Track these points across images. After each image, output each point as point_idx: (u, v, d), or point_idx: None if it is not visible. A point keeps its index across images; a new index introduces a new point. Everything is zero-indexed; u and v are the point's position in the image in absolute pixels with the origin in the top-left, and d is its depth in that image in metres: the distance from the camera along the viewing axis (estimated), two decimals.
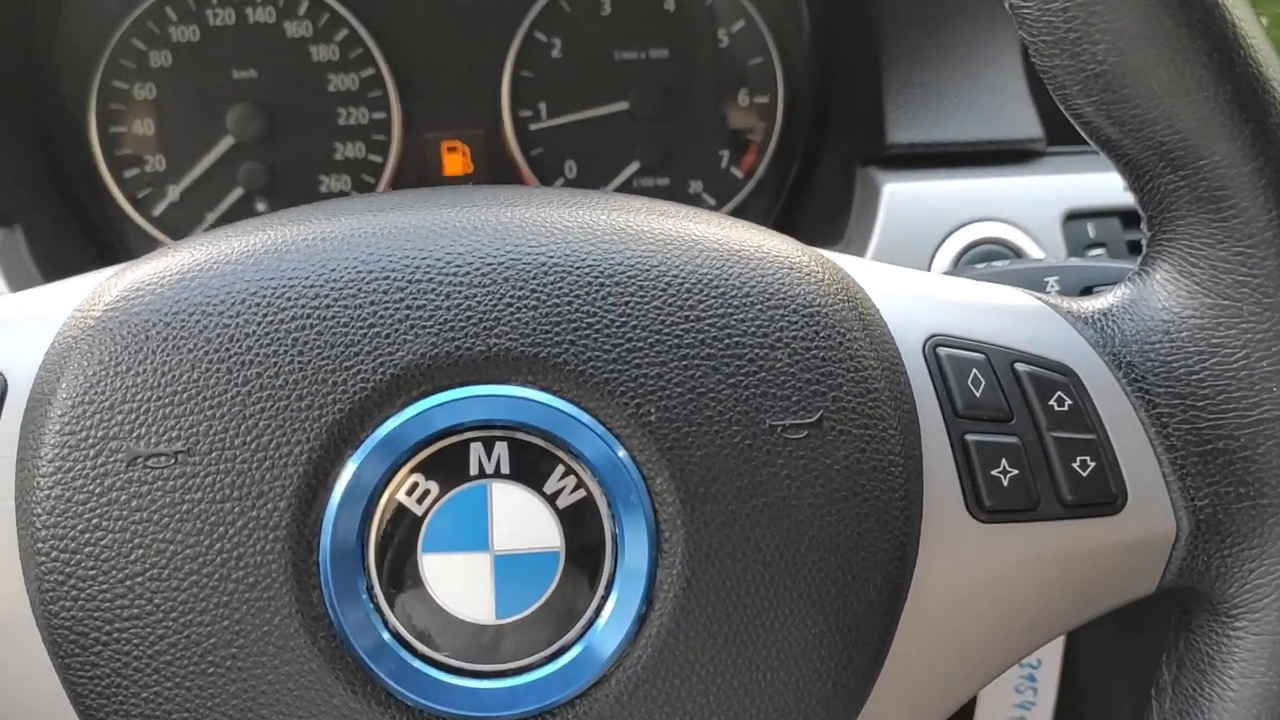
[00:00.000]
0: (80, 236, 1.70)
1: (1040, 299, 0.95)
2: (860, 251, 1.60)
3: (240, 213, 1.81)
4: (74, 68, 1.73)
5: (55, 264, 1.57)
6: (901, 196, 1.60)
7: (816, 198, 1.81)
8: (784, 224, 1.89)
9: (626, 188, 1.88)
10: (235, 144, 1.77)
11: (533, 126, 1.86)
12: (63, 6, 1.67)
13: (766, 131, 1.88)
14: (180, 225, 1.80)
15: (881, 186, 1.60)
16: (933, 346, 0.90)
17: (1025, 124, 1.63)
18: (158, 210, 1.79)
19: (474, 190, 0.92)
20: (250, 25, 1.77)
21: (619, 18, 1.84)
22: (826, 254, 0.95)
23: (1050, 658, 1.68)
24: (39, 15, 1.65)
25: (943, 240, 1.58)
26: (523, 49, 1.82)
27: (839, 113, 1.77)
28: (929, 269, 1.57)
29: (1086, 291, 1.25)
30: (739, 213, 1.90)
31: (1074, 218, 1.56)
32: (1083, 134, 0.90)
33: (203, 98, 1.77)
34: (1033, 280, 1.28)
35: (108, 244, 1.76)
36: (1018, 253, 1.56)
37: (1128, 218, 1.56)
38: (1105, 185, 1.58)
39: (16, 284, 1.48)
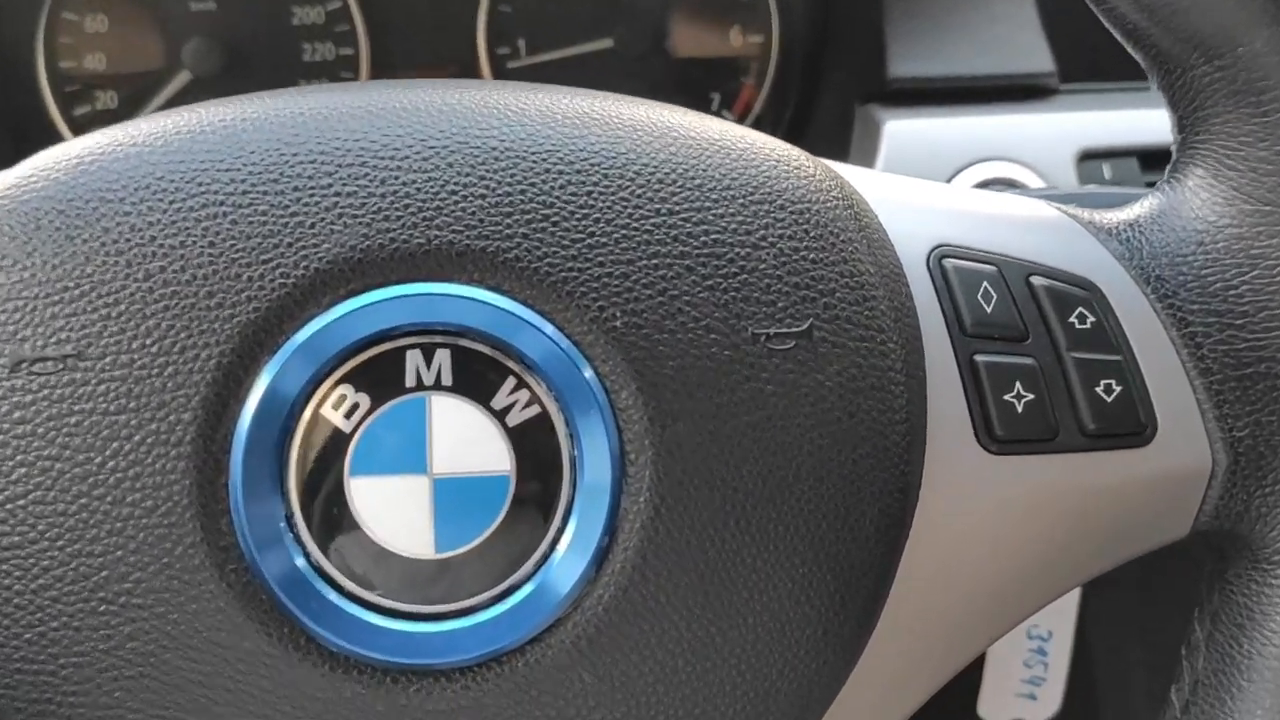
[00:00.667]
0: None
1: (1059, 208, 0.85)
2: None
3: None
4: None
5: None
6: (903, 135, 1.50)
7: (813, 139, 1.71)
8: None
9: None
10: (192, 79, 1.66)
11: (511, 64, 1.75)
12: None
13: (760, 72, 1.78)
14: None
15: (882, 124, 1.50)
16: (938, 258, 0.80)
17: (1036, 57, 1.53)
18: None
19: (419, 80, 0.81)
20: None
21: None
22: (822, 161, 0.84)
23: (1061, 629, 1.57)
24: None
25: (949, 180, 1.48)
26: None
27: (837, 47, 1.66)
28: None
29: None
30: None
31: (1089, 158, 1.46)
32: (1105, 23, 0.80)
33: (158, 30, 1.67)
34: None
35: None
36: None
37: (1146, 158, 1.46)
38: (1122, 123, 1.48)
39: None
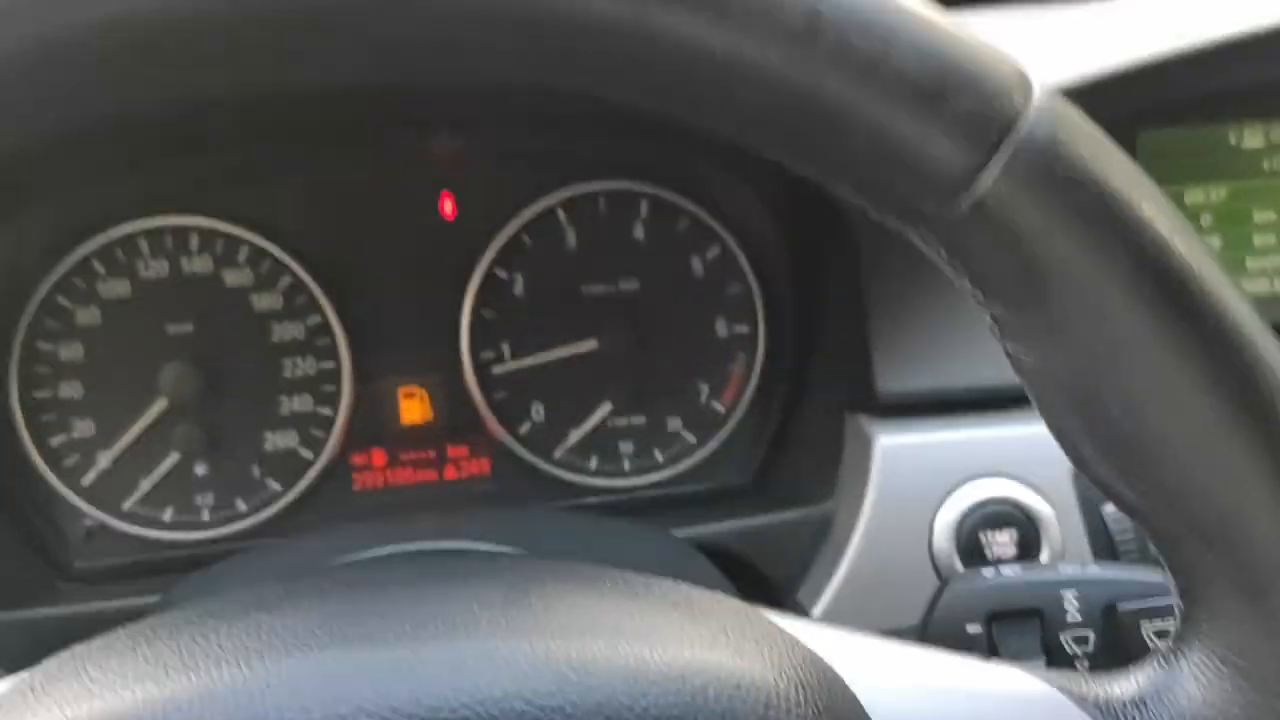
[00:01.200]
0: None
1: (1053, 683, 0.79)
2: (854, 510, 1.44)
3: (177, 479, 1.66)
4: None
5: None
6: (895, 451, 1.45)
7: (803, 442, 1.66)
8: (770, 466, 1.73)
9: (600, 430, 1.73)
10: (169, 406, 1.62)
11: (495, 369, 1.71)
12: None
13: (748, 363, 1.74)
14: (111, 496, 1.65)
15: (874, 439, 1.45)
16: None
17: None
18: (87, 479, 1.64)
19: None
20: (186, 276, 1.64)
21: (585, 251, 1.71)
22: (805, 632, 0.79)
23: None
24: None
25: (944, 499, 1.42)
26: (483, 288, 1.69)
27: (825, 355, 1.63)
28: (930, 533, 1.41)
29: (1110, 612, 1.09)
30: (723, 451, 1.74)
31: None
32: (1104, 495, 0.75)
33: (135, 357, 1.63)
34: (1048, 594, 1.13)
35: (27, 519, 1.60)
36: (1026, 513, 1.41)
37: None
38: None
39: None
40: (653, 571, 0.87)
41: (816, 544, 1.50)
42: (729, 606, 0.83)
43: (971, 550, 1.41)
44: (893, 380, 1.47)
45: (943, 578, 1.41)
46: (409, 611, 0.75)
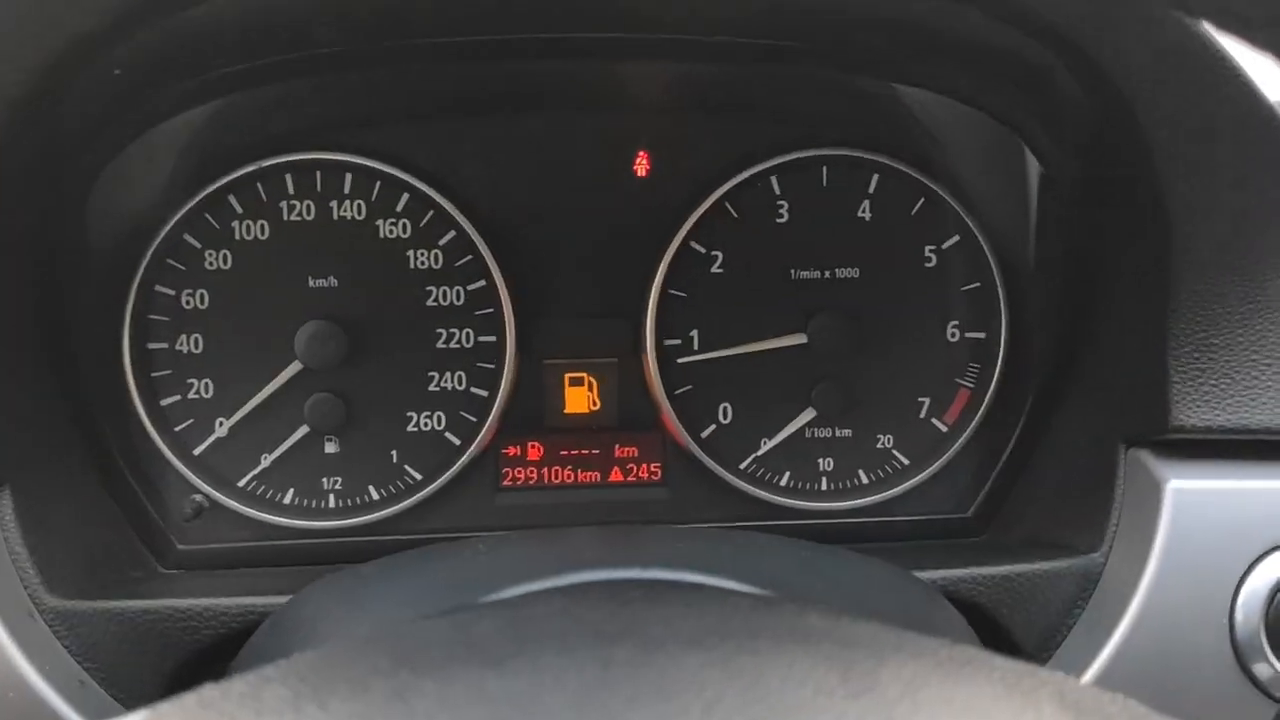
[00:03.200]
0: (92, 494, 1.30)
1: None
2: (1133, 567, 1.17)
3: (303, 457, 1.41)
4: (107, 265, 1.36)
5: (51, 534, 1.17)
6: (1191, 499, 1.18)
7: (1050, 477, 1.38)
8: (997, 500, 1.45)
9: (797, 440, 1.46)
10: (303, 370, 1.38)
11: (680, 359, 1.45)
12: (96, 185, 1.31)
13: (983, 377, 1.46)
14: (227, 470, 1.41)
15: (1164, 482, 1.17)
16: None
17: None
18: (200, 448, 1.40)
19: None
20: (334, 222, 1.40)
21: (799, 227, 1.45)
22: None
23: None
24: (64, 197, 1.27)
25: (1253, 564, 1.14)
26: (675, 262, 1.43)
27: (1090, 368, 1.34)
28: (1232, 607, 1.14)
29: None
30: (940, 479, 1.47)
31: None
32: None
33: (269, 311, 1.40)
34: None
35: (128, 491, 1.37)
36: None
37: None
38: None
39: None
40: (911, 625, 0.67)
41: (1075, 602, 1.22)
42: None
43: None
44: (1193, 411, 1.19)
45: (1247, 667, 1.13)
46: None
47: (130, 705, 1.13)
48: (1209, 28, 1.03)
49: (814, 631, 0.63)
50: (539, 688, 0.53)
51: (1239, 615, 1.14)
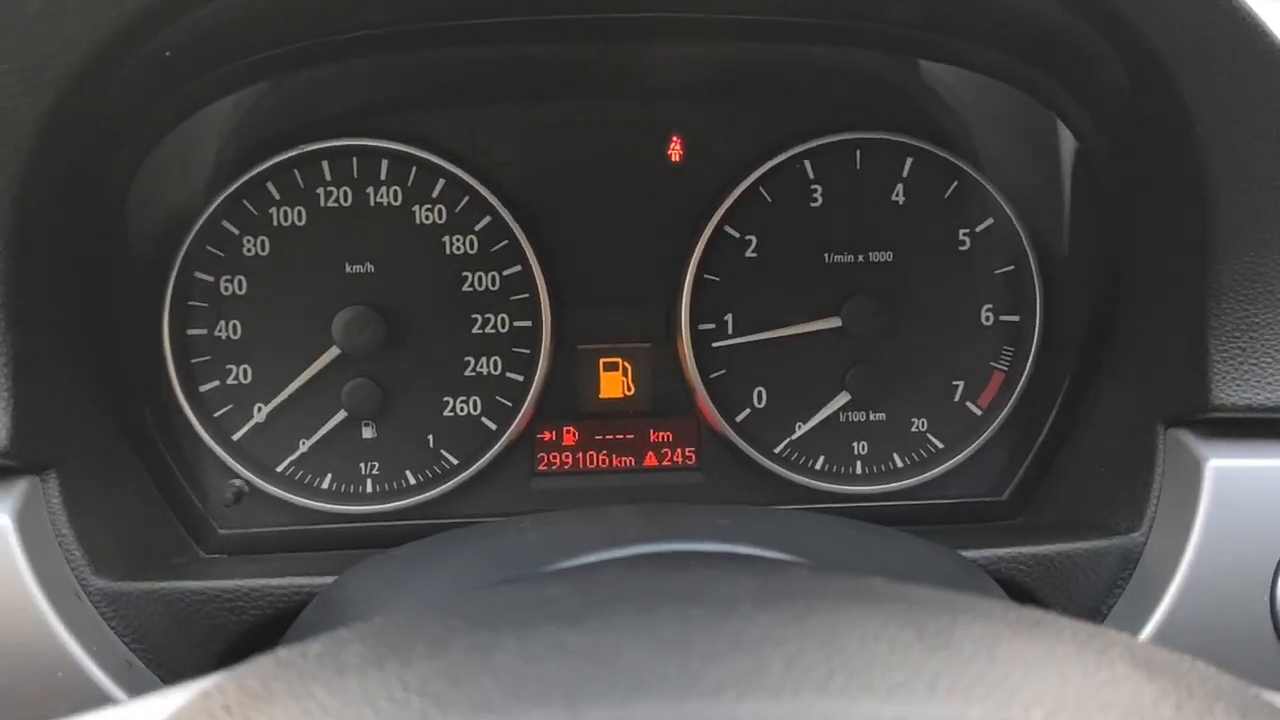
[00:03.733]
0: (135, 479, 1.31)
1: None
2: (1174, 547, 1.17)
3: (341, 442, 1.42)
4: (147, 252, 1.37)
5: (95, 518, 1.18)
6: (1233, 478, 1.17)
7: (1089, 458, 1.37)
8: (1034, 482, 1.45)
9: (832, 424, 1.46)
10: (340, 356, 1.39)
11: (716, 343, 1.46)
12: (138, 172, 1.31)
13: (1017, 359, 1.46)
14: (265, 455, 1.42)
15: (1204, 460, 1.17)
16: None
17: None
18: (239, 434, 1.41)
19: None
20: (370, 208, 1.41)
21: (833, 211, 1.45)
22: None
23: None
24: (105, 185, 1.28)
25: None
26: (710, 246, 1.44)
27: (1128, 349, 1.34)
28: (1274, 586, 1.13)
29: None
30: (975, 462, 1.47)
31: None
32: None
33: (306, 297, 1.40)
34: None
35: (169, 476, 1.37)
36: None
37: None
38: None
39: (37, 549, 1.09)
40: None
41: (1115, 582, 1.22)
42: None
43: None
44: (1233, 389, 1.18)
45: None
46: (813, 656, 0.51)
47: None
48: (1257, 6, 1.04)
49: (881, 594, 0.63)
50: (619, 643, 0.54)
51: None
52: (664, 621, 0.56)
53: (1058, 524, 1.36)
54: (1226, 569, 1.15)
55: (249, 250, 1.40)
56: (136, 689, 1.09)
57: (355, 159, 1.40)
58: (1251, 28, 1.04)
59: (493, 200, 1.41)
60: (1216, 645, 1.14)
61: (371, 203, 1.41)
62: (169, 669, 1.14)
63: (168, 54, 1.09)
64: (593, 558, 0.86)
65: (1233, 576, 1.15)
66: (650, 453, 1.49)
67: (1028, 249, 1.44)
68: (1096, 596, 1.22)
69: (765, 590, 0.63)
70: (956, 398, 1.48)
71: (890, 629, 0.57)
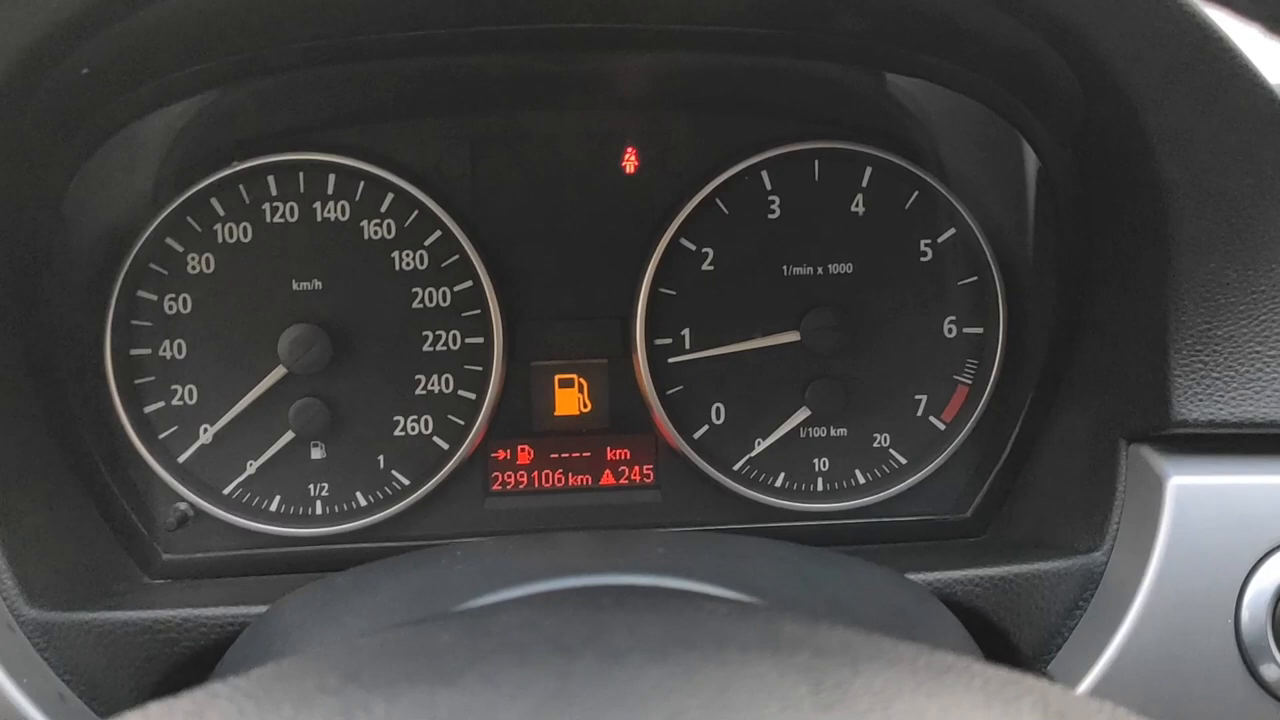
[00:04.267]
0: (75, 503, 1.28)
1: None
2: (1136, 566, 1.13)
3: (289, 463, 1.39)
4: (88, 271, 1.34)
5: (31, 544, 1.15)
6: (1193, 496, 1.14)
7: (1050, 474, 1.34)
8: (997, 499, 1.42)
9: (792, 440, 1.43)
10: (287, 375, 1.36)
11: (672, 359, 1.43)
12: (71, 189, 1.28)
13: (981, 373, 1.43)
14: (212, 477, 1.39)
15: (1166, 477, 1.14)
16: None
17: None
18: (184, 455, 1.38)
19: None
20: (317, 224, 1.38)
21: (791, 223, 1.42)
22: None
23: None
24: (35, 202, 1.24)
25: (1255, 566, 1.11)
26: (665, 259, 1.41)
27: (1089, 362, 1.31)
28: (1238, 607, 1.11)
29: None
30: (939, 478, 1.44)
31: None
32: None
33: (252, 315, 1.38)
34: None
35: (112, 500, 1.34)
36: None
37: None
38: None
39: None
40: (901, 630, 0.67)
41: (1076, 603, 1.19)
42: None
43: None
44: (1195, 405, 1.15)
45: (1254, 669, 1.10)
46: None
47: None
48: (1207, 10, 1.00)
49: (787, 640, 0.60)
50: (492, 703, 0.51)
51: (1245, 615, 1.11)
52: (543, 678, 0.53)
53: (1020, 543, 1.33)
54: (1190, 589, 1.12)
55: (194, 268, 1.37)
56: None
57: (301, 174, 1.37)
58: (1204, 34, 1.01)
59: (442, 215, 1.38)
60: (1180, 669, 1.11)
61: (319, 218, 1.38)
62: (102, 701, 1.11)
63: (85, 71, 1.06)
64: (509, 594, 0.83)
65: (1196, 596, 1.12)
66: (607, 471, 1.46)
67: (990, 260, 1.41)
68: (1057, 619, 1.19)
69: (665, 638, 0.60)
70: (919, 412, 1.45)
71: (786, 683, 0.54)
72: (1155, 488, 1.15)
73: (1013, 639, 1.20)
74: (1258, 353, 1.15)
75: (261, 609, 1.12)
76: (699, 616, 0.66)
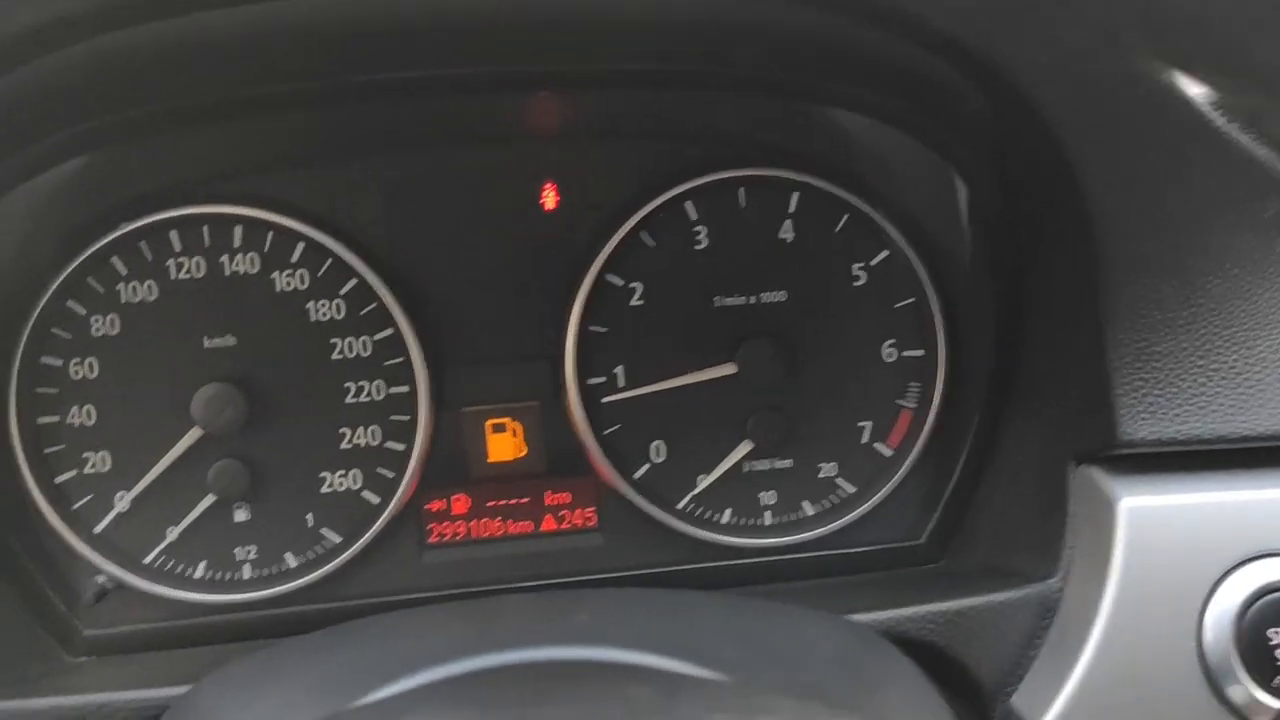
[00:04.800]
0: None
1: None
2: (1091, 593, 1.10)
3: (212, 528, 1.33)
4: None
5: None
6: (1145, 517, 1.10)
7: (1000, 498, 1.31)
8: (950, 526, 1.38)
9: (735, 475, 1.39)
10: (204, 436, 1.30)
11: (606, 398, 1.38)
12: None
13: (924, 396, 1.39)
14: (131, 547, 1.33)
15: (1117, 499, 1.10)
16: None
17: None
18: (100, 526, 1.32)
19: None
20: (226, 278, 1.32)
21: (719, 252, 1.38)
22: None
23: None
24: None
25: (1218, 582, 1.07)
26: (592, 297, 1.36)
27: (1032, 383, 1.27)
28: (1199, 629, 1.07)
29: None
30: (888, 506, 1.40)
31: None
32: None
33: (163, 376, 1.32)
34: None
35: (27, 576, 1.28)
36: None
37: None
38: None
39: None
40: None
41: (1034, 635, 1.15)
42: None
43: (1259, 654, 1.06)
44: (1140, 423, 1.12)
45: (1220, 691, 1.06)
46: None
47: None
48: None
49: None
50: None
51: (1208, 636, 1.07)
52: None
53: (976, 570, 1.30)
54: (1149, 613, 1.08)
55: (98, 330, 1.31)
56: None
57: (206, 227, 1.32)
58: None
59: (356, 263, 1.33)
60: (1145, 696, 1.07)
61: (227, 272, 1.32)
62: None
63: None
64: (426, 677, 0.79)
65: (1156, 621, 1.08)
66: (548, 516, 1.41)
67: (925, 281, 1.37)
68: (1016, 650, 1.15)
69: None
70: (865, 439, 1.41)
71: None
72: (1107, 510, 1.11)
73: (973, 671, 1.16)
74: (1200, 367, 1.11)
75: (184, 689, 1.07)
76: (630, 699, 0.62)
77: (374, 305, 1.34)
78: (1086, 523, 1.15)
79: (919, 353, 1.39)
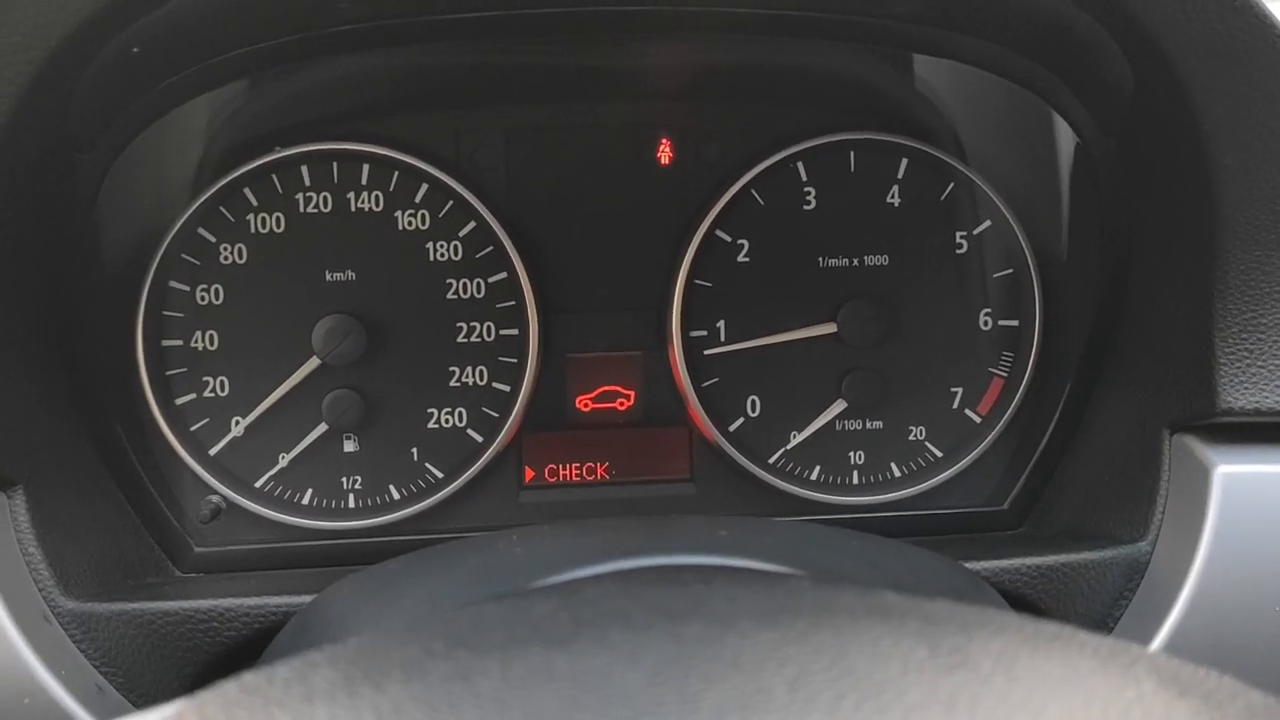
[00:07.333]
0: (107, 496, 1.26)
1: None
2: (1182, 557, 1.12)
3: (322, 456, 1.38)
4: (120, 261, 1.33)
5: (65, 536, 1.13)
6: (1242, 486, 1.13)
7: (1091, 465, 1.33)
8: (1034, 491, 1.41)
9: (827, 433, 1.42)
10: (321, 366, 1.35)
11: (708, 350, 1.42)
12: (107, 178, 1.27)
13: (1017, 365, 1.43)
14: (244, 470, 1.37)
15: (1212, 467, 1.13)
16: None
17: None
18: (216, 448, 1.37)
19: None
20: (351, 214, 1.37)
21: (826, 215, 1.41)
22: None
23: None
24: (73, 193, 1.23)
25: None
26: (700, 251, 1.40)
27: (1131, 352, 1.30)
28: None
29: None
30: (974, 471, 1.43)
31: None
32: None
33: (284, 306, 1.36)
34: None
35: (143, 493, 1.33)
36: None
37: None
38: None
39: (3, 570, 1.05)
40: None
41: (1121, 593, 1.18)
42: None
43: None
44: (1241, 393, 1.15)
45: None
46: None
47: None
48: None
49: (891, 609, 0.59)
50: (609, 666, 0.50)
51: None
52: (658, 641, 0.52)
53: (1060, 534, 1.33)
54: (1237, 578, 1.11)
55: (226, 258, 1.36)
56: (105, 714, 1.04)
57: (335, 164, 1.36)
58: (1260, 21, 1.01)
59: (477, 205, 1.37)
60: (1229, 659, 1.10)
61: (352, 208, 1.37)
62: (140, 693, 1.10)
63: (135, 50, 1.05)
64: (580, 573, 0.82)
65: (1244, 586, 1.11)
66: (643, 463, 1.45)
67: (1026, 252, 1.41)
68: (1103, 608, 1.18)
69: (766, 606, 0.59)
70: (955, 405, 1.44)
71: (903, 647, 0.53)
72: (1201, 477, 1.14)
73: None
74: None
75: (304, 599, 1.11)
76: (792, 589, 0.65)
77: (490, 249, 1.38)
78: (1179, 489, 1.18)
79: (1014, 323, 1.43)
